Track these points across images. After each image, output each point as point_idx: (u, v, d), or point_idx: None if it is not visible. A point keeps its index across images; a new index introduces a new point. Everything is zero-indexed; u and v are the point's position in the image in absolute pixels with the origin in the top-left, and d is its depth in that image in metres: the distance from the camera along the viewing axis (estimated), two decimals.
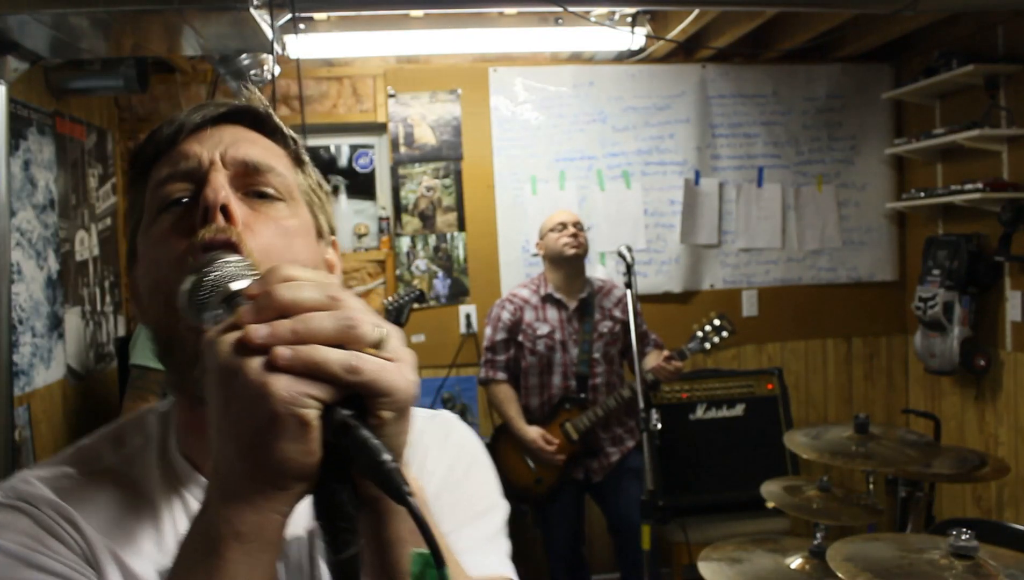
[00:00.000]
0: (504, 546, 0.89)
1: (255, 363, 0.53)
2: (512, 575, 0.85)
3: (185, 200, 0.75)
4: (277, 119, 0.84)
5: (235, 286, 0.63)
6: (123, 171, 3.76)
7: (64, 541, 0.70)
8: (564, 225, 3.25)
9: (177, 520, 0.76)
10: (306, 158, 0.86)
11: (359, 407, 0.55)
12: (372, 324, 0.56)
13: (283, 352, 0.53)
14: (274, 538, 0.58)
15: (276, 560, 0.59)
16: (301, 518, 0.77)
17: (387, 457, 0.53)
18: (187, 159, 0.76)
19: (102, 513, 0.73)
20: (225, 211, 0.72)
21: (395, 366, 0.56)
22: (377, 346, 0.56)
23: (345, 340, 0.55)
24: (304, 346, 0.54)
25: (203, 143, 0.77)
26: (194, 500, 0.77)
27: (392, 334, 0.58)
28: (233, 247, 0.70)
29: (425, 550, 0.52)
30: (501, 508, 0.91)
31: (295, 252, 0.76)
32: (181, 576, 0.58)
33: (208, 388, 0.56)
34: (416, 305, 3.11)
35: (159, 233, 0.75)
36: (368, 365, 0.55)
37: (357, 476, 0.58)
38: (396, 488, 0.52)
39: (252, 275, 0.64)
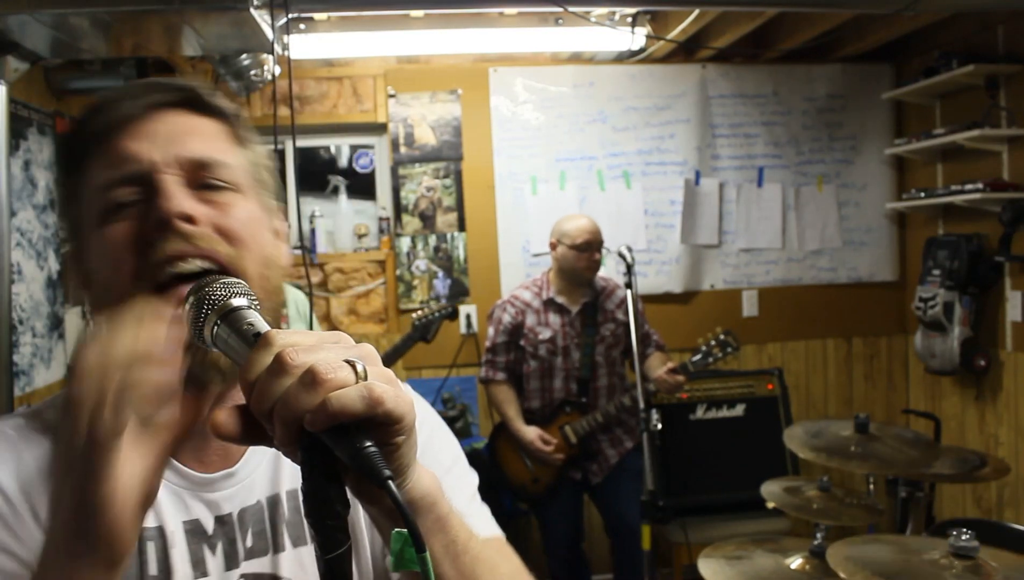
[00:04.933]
0: (485, 508, 0.90)
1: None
2: (502, 534, 0.87)
3: (133, 203, 0.74)
4: (212, 98, 0.81)
5: (234, 302, 0.64)
6: None
7: None
8: (590, 246, 3.15)
9: None
10: (245, 132, 0.83)
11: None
12: (349, 359, 0.57)
13: (306, 419, 0.55)
14: None
15: None
16: (259, 486, 0.81)
17: (367, 443, 0.55)
18: (130, 161, 0.74)
19: (28, 470, 0.74)
20: (188, 219, 0.72)
21: (398, 392, 0.58)
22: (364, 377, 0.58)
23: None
24: (320, 403, 0.54)
25: (142, 140, 0.74)
26: None
27: (368, 358, 0.59)
28: (208, 255, 0.71)
29: (405, 531, 0.54)
30: (471, 470, 0.93)
31: (263, 239, 0.78)
32: None
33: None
34: (448, 321, 3.06)
35: (112, 242, 0.74)
36: (387, 394, 0.56)
37: (358, 482, 0.59)
38: (376, 472, 0.54)
39: (247, 293, 0.66)
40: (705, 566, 2.11)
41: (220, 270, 0.72)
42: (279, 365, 0.56)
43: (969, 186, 3.38)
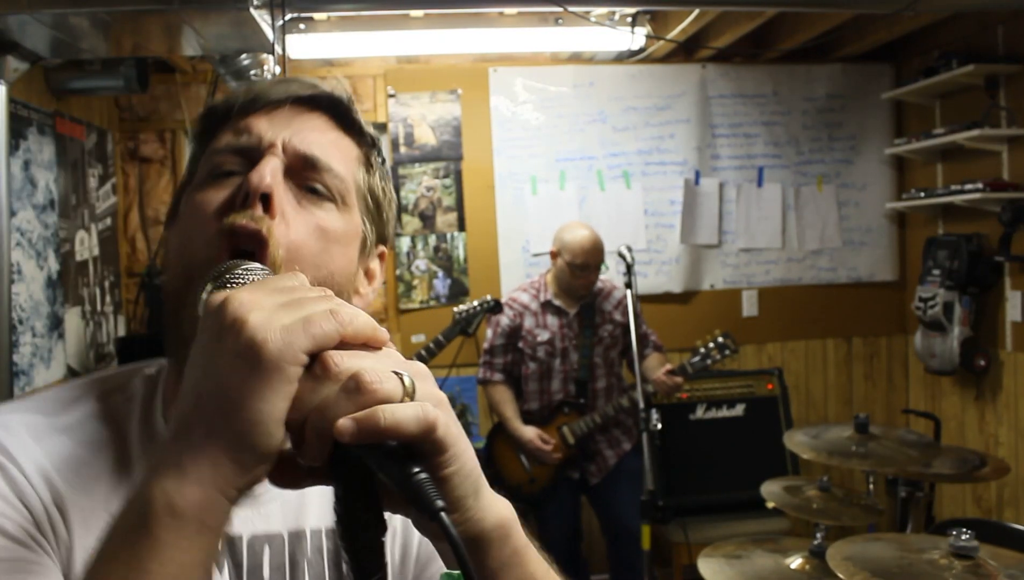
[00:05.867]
0: None
1: (259, 316, 0.51)
2: None
3: (235, 173, 0.73)
4: (357, 114, 0.81)
5: None
6: (123, 171, 3.76)
7: (24, 497, 0.65)
8: (587, 267, 3.14)
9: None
10: (377, 161, 0.83)
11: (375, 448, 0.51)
12: (397, 371, 0.52)
13: (345, 424, 0.49)
14: (214, 523, 0.51)
15: (216, 549, 0.53)
16: (280, 517, 0.78)
17: (416, 469, 0.50)
18: (248, 134, 0.74)
19: (64, 465, 0.68)
20: (266, 200, 0.69)
21: (449, 419, 0.53)
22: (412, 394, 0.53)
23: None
24: (369, 412, 0.49)
25: (272, 122, 0.75)
26: None
27: (419, 375, 0.54)
28: (259, 239, 0.68)
29: (456, 572, 0.49)
30: None
31: (329, 257, 0.74)
32: (107, 552, 0.51)
33: (196, 342, 0.54)
34: (490, 315, 3.03)
35: (200, 203, 0.72)
36: (439, 419, 0.51)
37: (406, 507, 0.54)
38: (428, 503, 0.49)
39: None
40: (705, 566, 2.11)
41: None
42: (320, 369, 0.51)
43: (969, 186, 3.38)
